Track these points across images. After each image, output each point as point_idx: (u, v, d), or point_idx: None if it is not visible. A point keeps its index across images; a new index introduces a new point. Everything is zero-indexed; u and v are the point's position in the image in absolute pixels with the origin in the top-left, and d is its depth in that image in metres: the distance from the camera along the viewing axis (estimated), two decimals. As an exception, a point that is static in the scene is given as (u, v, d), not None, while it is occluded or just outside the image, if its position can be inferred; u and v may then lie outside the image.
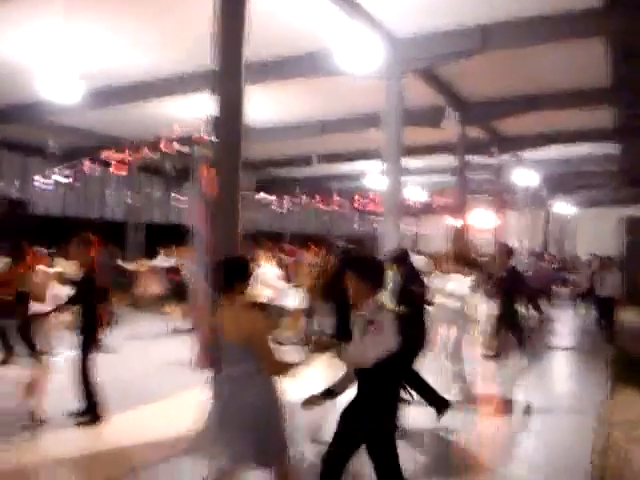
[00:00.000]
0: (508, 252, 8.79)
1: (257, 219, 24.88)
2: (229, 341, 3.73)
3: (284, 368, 3.77)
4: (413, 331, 5.77)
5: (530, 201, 24.32)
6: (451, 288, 7.98)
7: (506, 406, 7.89)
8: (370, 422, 3.81)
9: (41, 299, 6.70)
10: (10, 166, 19.05)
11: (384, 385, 3.82)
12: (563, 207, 30.52)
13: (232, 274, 3.92)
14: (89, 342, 6.60)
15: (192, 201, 6.94)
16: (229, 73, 6.51)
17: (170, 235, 16.71)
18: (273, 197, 23.00)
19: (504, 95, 13.31)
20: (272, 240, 17.33)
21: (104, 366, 6.81)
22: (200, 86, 10.83)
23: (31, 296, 6.55)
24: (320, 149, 19.09)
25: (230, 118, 6.50)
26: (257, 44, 6.89)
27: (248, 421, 3.64)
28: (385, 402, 3.84)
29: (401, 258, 7.00)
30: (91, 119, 15.56)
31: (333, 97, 13.40)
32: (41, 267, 7.18)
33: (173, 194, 22.67)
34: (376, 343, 3.87)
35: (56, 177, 16.24)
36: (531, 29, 9.21)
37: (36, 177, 17.10)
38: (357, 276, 3.97)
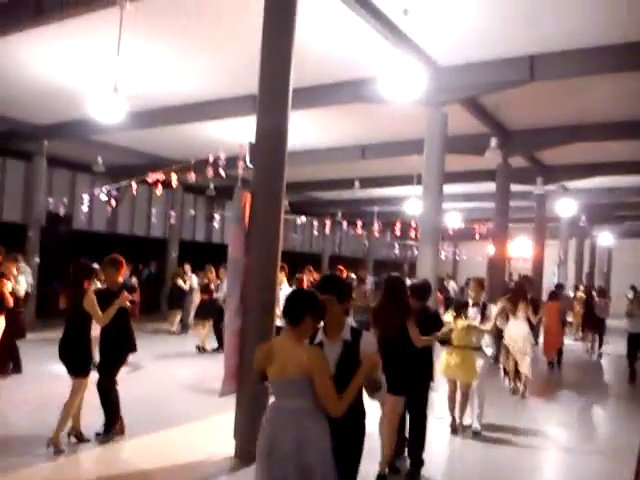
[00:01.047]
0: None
1: (295, 240, 25.04)
2: (288, 374, 3.52)
3: (344, 406, 3.49)
4: None
5: (570, 231, 23.95)
6: (471, 316, 7.91)
7: (534, 442, 7.77)
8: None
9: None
10: (58, 182, 19.55)
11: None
12: (604, 237, 29.92)
13: (304, 308, 3.61)
14: (115, 361, 6.72)
15: (230, 224, 6.98)
16: (274, 100, 6.63)
17: (211, 255, 16.98)
18: (309, 218, 23.13)
19: (549, 125, 13.21)
20: (310, 262, 17.41)
21: (130, 385, 6.92)
22: (246, 110, 11.07)
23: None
24: (361, 173, 19.17)
25: (274, 143, 6.61)
26: (301, 71, 7.04)
27: (300, 457, 3.46)
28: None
29: (417, 291, 6.58)
30: (138, 139, 15.95)
31: (375, 123, 13.48)
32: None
33: (215, 214, 22.97)
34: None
35: (102, 195, 16.62)
36: (580, 60, 9.13)
37: (83, 194, 17.55)
38: (337, 299, 3.81)
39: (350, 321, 4.31)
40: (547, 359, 13.48)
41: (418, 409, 6.30)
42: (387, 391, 5.77)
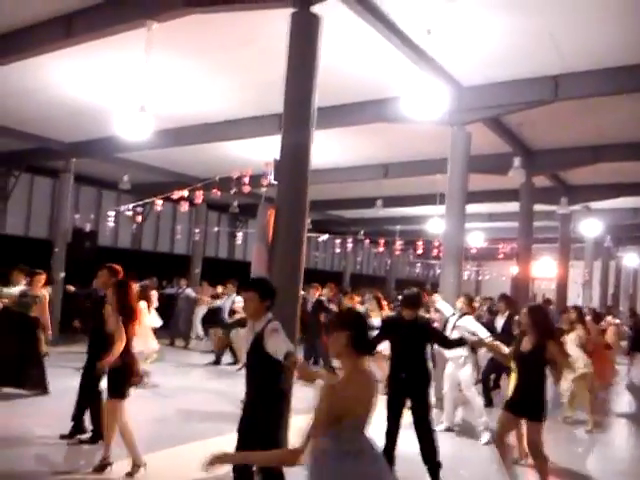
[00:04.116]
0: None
1: (317, 258, 25.06)
2: None
3: None
4: None
5: (595, 251, 23.68)
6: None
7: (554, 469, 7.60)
8: None
9: None
10: (85, 199, 19.87)
11: None
12: (629, 258, 29.49)
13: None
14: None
15: (254, 240, 7.05)
16: (299, 118, 6.75)
17: (233, 271, 17.00)
18: (330, 236, 23.19)
19: (572, 144, 13.14)
20: (331, 280, 17.40)
21: (146, 402, 6.81)
22: (271, 129, 11.19)
23: None
24: (383, 192, 19.20)
25: (298, 160, 6.72)
26: (324, 91, 7.14)
27: None
28: None
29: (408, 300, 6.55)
30: (163, 157, 16.15)
31: (398, 142, 13.51)
32: None
33: (238, 232, 23.13)
34: None
35: (128, 211, 16.85)
36: (603, 80, 9.11)
37: (109, 211, 17.80)
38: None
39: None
40: (602, 384, 12.55)
41: None
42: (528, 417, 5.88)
